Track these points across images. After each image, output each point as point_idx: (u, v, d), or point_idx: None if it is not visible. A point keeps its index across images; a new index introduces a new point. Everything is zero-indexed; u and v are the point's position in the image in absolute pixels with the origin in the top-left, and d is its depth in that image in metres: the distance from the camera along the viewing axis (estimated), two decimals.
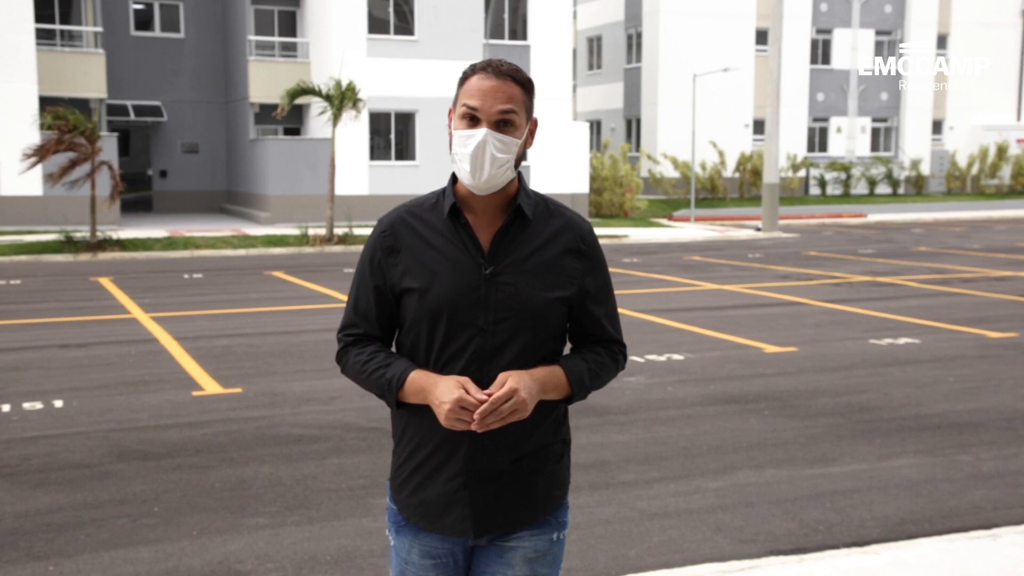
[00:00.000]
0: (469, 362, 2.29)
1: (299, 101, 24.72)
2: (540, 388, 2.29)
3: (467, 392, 2.21)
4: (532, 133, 2.35)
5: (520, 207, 2.33)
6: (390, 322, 2.41)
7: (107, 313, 12.08)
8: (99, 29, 26.41)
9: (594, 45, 40.77)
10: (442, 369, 2.32)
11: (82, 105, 25.80)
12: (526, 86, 2.29)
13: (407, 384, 2.31)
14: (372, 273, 2.38)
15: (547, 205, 2.39)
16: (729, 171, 35.63)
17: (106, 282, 15.11)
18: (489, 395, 2.21)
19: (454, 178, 2.36)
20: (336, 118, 20.80)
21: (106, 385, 8.11)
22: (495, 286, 2.29)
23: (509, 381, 2.22)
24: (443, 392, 2.22)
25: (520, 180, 2.37)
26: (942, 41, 39.36)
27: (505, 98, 2.24)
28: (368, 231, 23.02)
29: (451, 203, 2.32)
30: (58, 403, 7.45)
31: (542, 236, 2.34)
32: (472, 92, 2.25)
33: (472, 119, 2.24)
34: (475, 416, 2.18)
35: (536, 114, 2.37)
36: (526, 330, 2.31)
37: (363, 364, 2.37)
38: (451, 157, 2.29)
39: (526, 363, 2.31)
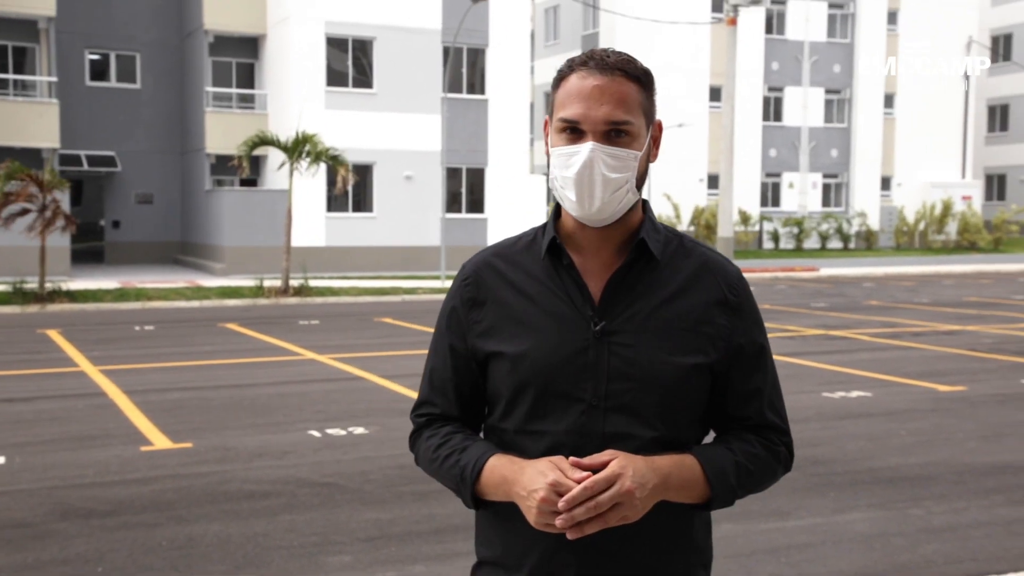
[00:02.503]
0: (576, 449, 1.73)
1: (256, 152, 24.69)
2: (661, 482, 1.68)
3: (565, 474, 1.64)
4: (656, 141, 1.81)
5: (643, 242, 1.78)
6: (475, 397, 1.87)
7: (54, 366, 11.86)
8: (53, 79, 26.26)
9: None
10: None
11: (34, 155, 25.55)
12: (643, 80, 1.75)
13: (485, 472, 1.74)
14: (450, 334, 1.86)
15: (681, 242, 1.84)
16: (684, 225, 36.06)
17: (54, 334, 14.85)
18: (588, 474, 1.63)
19: (557, 210, 1.84)
20: (298, 168, 20.77)
21: (51, 440, 7.93)
22: (607, 348, 1.74)
23: (614, 461, 1.64)
24: (532, 477, 1.65)
25: (645, 209, 1.84)
26: (889, 100, 40.35)
27: (615, 101, 1.70)
28: (325, 283, 22.93)
29: (550, 237, 1.79)
30: (0, 460, 7.26)
31: (675, 282, 1.79)
32: (571, 97, 1.73)
33: (573, 132, 1.73)
34: (560, 505, 1.60)
35: (658, 116, 1.82)
36: (651, 408, 1.74)
37: (435, 449, 1.84)
38: (551, 183, 1.79)
39: (657, 453, 1.74)
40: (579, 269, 1.79)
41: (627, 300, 1.77)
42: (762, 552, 5.32)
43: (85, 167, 28.90)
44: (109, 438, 7.99)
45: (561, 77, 1.77)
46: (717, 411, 1.85)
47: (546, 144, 1.81)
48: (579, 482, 1.61)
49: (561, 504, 1.60)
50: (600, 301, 1.76)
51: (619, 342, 1.74)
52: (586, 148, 1.70)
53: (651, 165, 1.83)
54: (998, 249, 38.63)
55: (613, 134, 1.71)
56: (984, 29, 45.94)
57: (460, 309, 1.85)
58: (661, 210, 35.18)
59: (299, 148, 20.65)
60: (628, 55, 1.76)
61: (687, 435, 1.80)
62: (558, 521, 1.61)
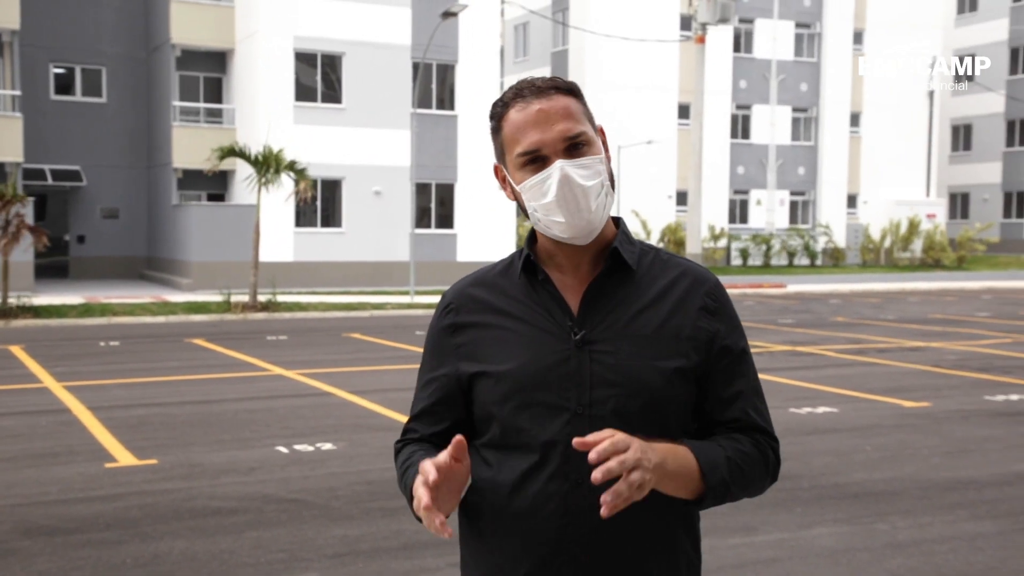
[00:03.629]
0: (564, 460, 1.73)
1: (224, 167, 24.56)
2: (660, 461, 1.63)
3: (435, 463, 1.64)
4: (606, 145, 1.83)
5: (617, 251, 1.81)
6: (458, 422, 1.88)
7: (17, 382, 11.70)
8: (17, 93, 26.01)
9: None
10: (527, 475, 1.77)
11: None
12: (575, 92, 1.81)
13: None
14: (435, 360, 1.89)
15: (658, 254, 1.88)
16: (653, 241, 36.23)
17: (17, 350, 14.66)
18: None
19: (531, 238, 1.87)
20: (267, 184, 20.65)
21: (13, 458, 7.81)
22: (589, 356, 1.76)
23: (618, 433, 1.58)
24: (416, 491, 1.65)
25: (619, 225, 1.88)
26: (855, 119, 40.84)
27: (562, 116, 1.75)
28: (293, 298, 22.81)
29: (525, 256, 1.83)
30: None
31: (652, 290, 1.82)
32: (520, 130, 1.77)
33: (535, 160, 1.75)
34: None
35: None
36: (636, 414, 1.74)
37: (401, 467, 1.87)
38: (532, 217, 1.80)
39: None
40: (557, 285, 1.81)
41: (605, 309, 1.79)
42: (729, 567, 5.34)
43: (50, 181, 28.63)
44: (73, 455, 7.89)
45: (499, 117, 1.81)
46: (705, 416, 1.86)
47: (506, 189, 1.84)
48: (437, 468, 1.61)
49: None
50: (579, 311, 1.79)
51: (600, 350, 1.76)
52: (556, 168, 1.73)
53: (613, 170, 1.87)
54: (962, 267, 39.13)
55: (572, 148, 1.75)
56: (948, 50, 46.65)
57: (443, 335, 1.88)
58: (631, 226, 35.25)
59: (267, 163, 20.55)
60: (551, 76, 1.81)
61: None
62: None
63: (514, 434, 1.78)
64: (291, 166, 20.79)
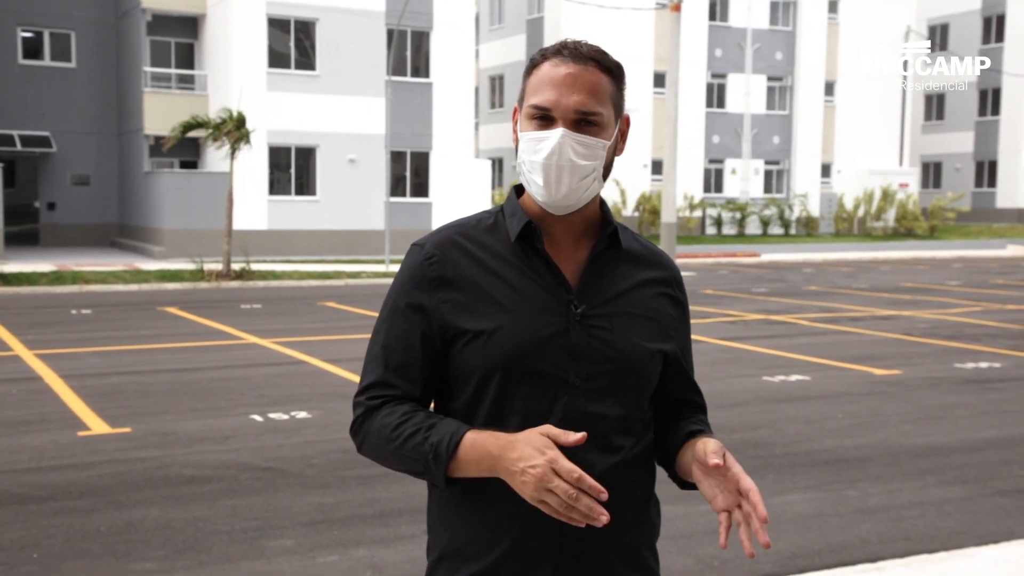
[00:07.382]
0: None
1: (196, 134, 24.29)
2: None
3: (562, 441, 1.61)
4: (624, 135, 1.83)
5: (616, 232, 1.84)
6: (434, 380, 1.82)
7: None
8: None
9: (496, 84, 41.16)
10: None
11: None
12: (614, 72, 1.77)
13: (464, 448, 1.68)
14: (412, 312, 1.79)
15: (632, 235, 1.91)
16: (629, 210, 36.26)
17: None
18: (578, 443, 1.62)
19: (517, 192, 1.86)
20: (233, 151, 20.47)
21: None
22: (587, 331, 1.77)
23: (728, 455, 1.71)
24: (527, 452, 1.60)
25: (602, 202, 1.87)
26: (830, 88, 40.90)
27: (586, 90, 1.72)
28: (267, 267, 22.66)
29: (523, 223, 1.79)
30: None
31: (634, 273, 1.85)
32: (542, 84, 1.74)
33: (544, 118, 1.74)
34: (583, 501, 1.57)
35: (627, 109, 1.82)
36: (624, 390, 1.79)
37: (393, 429, 1.75)
38: (518, 167, 1.80)
39: (626, 433, 1.80)
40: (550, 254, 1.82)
41: (600, 286, 1.81)
42: (702, 533, 5.40)
43: (18, 147, 28.24)
44: (45, 423, 7.84)
45: (534, 65, 1.77)
46: (667, 394, 1.94)
47: (514, 131, 1.82)
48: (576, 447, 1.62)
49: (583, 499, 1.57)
50: (578, 285, 1.79)
51: (598, 325, 1.78)
52: (556, 134, 1.72)
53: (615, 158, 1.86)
54: (934, 236, 39.42)
55: (583, 123, 1.73)
56: (921, 19, 46.74)
57: (425, 286, 1.78)
58: (606, 195, 35.23)
59: (228, 128, 20.20)
60: (600, 47, 1.78)
61: (646, 416, 1.87)
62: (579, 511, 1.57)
63: (503, 401, 1.75)
64: (240, 123, 20.25)
